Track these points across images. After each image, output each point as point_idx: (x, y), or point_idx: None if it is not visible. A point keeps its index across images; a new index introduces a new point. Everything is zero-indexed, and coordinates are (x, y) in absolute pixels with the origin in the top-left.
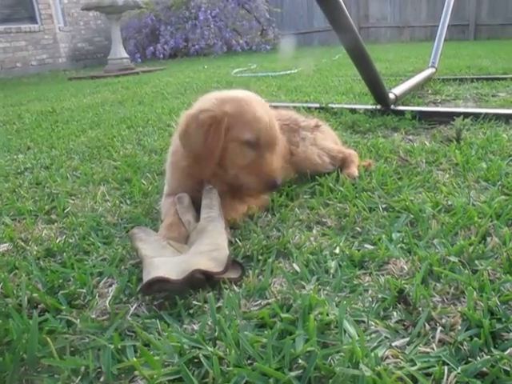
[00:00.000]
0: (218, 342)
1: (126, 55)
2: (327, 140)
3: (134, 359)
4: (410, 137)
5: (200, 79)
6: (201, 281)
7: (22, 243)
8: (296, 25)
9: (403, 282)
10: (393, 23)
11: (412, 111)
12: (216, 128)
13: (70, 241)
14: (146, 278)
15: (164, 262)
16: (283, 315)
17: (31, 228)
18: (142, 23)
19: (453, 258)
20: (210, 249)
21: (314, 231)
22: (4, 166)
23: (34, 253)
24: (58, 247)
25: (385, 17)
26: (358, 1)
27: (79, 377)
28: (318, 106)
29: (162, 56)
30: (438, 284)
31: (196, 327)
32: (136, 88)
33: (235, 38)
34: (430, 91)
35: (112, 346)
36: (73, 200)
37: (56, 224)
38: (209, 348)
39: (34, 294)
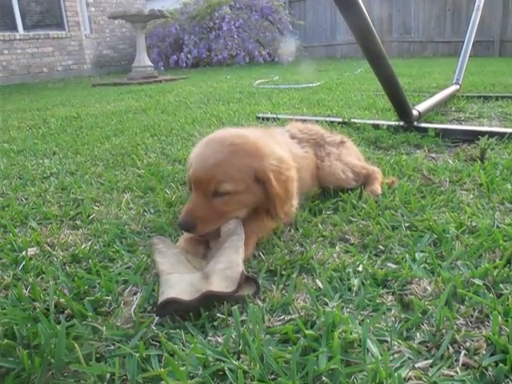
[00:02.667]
0: (241, 355)
1: (149, 63)
2: (351, 156)
3: (162, 369)
4: (433, 154)
5: (222, 89)
6: (214, 300)
7: (49, 248)
8: (319, 37)
9: (426, 302)
10: (416, 38)
11: (435, 129)
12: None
13: (95, 247)
14: (161, 297)
15: (179, 280)
16: (307, 332)
17: (57, 233)
18: (166, 32)
19: (477, 281)
20: (224, 267)
21: (337, 248)
22: (30, 170)
23: (60, 258)
24: (84, 253)
25: (408, 31)
26: (381, 15)
27: (105, 383)
28: (340, 120)
29: (184, 65)
30: (461, 306)
31: (220, 340)
32: (159, 96)
33: (258, 49)
34: (453, 108)
35: (137, 355)
36: (97, 206)
37: (81, 230)
38: (233, 361)
39: (61, 300)
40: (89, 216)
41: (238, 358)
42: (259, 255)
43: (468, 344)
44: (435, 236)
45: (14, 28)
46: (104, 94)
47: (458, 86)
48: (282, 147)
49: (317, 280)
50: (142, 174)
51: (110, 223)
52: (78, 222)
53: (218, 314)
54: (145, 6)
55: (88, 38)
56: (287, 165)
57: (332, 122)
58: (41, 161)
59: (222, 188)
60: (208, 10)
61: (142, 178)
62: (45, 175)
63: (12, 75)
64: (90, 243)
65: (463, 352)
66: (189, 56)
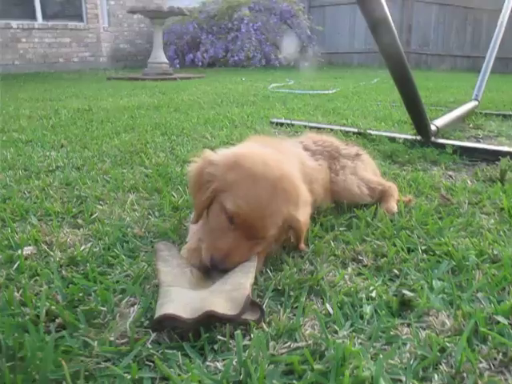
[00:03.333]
0: None
1: (165, 60)
2: (367, 170)
3: None
4: (451, 173)
5: (237, 91)
6: (214, 321)
7: (46, 247)
8: (336, 44)
9: (446, 339)
10: (434, 51)
11: (453, 145)
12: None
13: (95, 250)
14: (158, 311)
15: (180, 294)
16: (315, 366)
17: (56, 231)
18: (184, 30)
19: (501, 319)
20: (231, 288)
21: (350, 269)
22: (36, 162)
23: (57, 259)
24: (82, 256)
25: (427, 43)
26: (401, 25)
27: None
28: (355, 130)
29: (200, 64)
30: (484, 346)
31: (220, 365)
32: (173, 94)
33: (274, 53)
34: (471, 125)
35: (129, 377)
36: (101, 205)
37: (82, 230)
38: None
39: (53, 307)
40: (91, 215)
41: None
42: (266, 271)
43: None
44: (454, 263)
45: (33, 17)
46: (118, 88)
47: (476, 102)
48: (292, 162)
49: (327, 304)
50: (149, 174)
51: (112, 225)
52: (80, 221)
53: (219, 336)
54: (164, 2)
55: (106, 31)
56: (309, 203)
57: (347, 131)
58: (48, 153)
59: (268, 236)
60: (228, 11)
61: (149, 179)
62: (50, 168)
63: (28, 64)
64: (89, 245)
65: None
66: (205, 55)
